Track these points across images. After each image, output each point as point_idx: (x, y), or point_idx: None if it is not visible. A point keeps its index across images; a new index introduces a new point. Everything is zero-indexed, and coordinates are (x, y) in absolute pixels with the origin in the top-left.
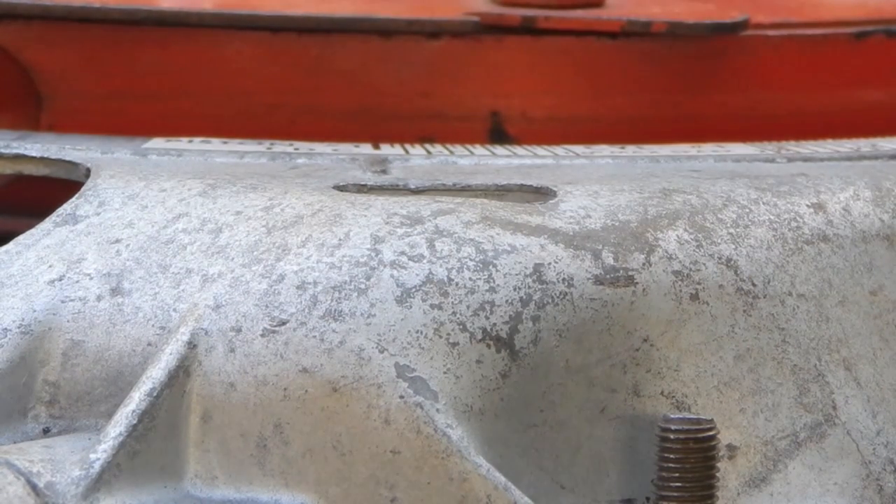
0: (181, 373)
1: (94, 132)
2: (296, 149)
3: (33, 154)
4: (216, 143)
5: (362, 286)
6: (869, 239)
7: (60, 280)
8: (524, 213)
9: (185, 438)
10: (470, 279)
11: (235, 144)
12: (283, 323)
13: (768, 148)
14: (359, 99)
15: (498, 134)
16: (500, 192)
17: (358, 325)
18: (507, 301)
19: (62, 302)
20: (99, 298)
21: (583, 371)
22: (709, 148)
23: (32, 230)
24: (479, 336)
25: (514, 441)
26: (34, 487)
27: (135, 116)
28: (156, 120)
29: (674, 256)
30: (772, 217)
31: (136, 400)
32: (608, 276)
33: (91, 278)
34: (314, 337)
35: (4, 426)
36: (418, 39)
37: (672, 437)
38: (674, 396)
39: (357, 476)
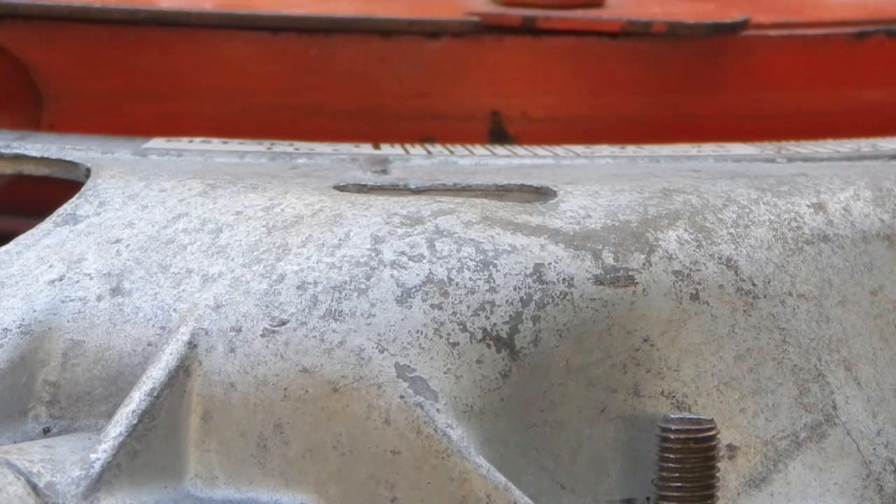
0: (181, 373)
1: (94, 132)
2: (296, 149)
3: (33, 154)
4: (216, 143)
5: (362, 286)
6: (869, 239)
7: (60, 280)
8: (524, 213)
9: (185, 438)
10: (470, 279)
11: (235, 144)
12: (284, 323)
13: (768, 148)
14: (359, 99)
15: (498, 134)
16: (501, 192)
17: (358, 325)
18: (507, 301)
19: (62, 302)
20: (99, 298)
21: (583, 371)
22: (709, 148)
23: (32, 230)
24: (480, 336)
25: (514, 441)
26: (34, 487)
27: (135, 116)
28: (156, 120)
29: (674, 256)
30: (772, 217)
31: (136, 400)
32: (608, 276)
33: (91, 278)
34: (314, 337)
35: (4, 426)
36: (418, 39)
37: (672, 437)
38: (674, 396)
39: (357, 476)
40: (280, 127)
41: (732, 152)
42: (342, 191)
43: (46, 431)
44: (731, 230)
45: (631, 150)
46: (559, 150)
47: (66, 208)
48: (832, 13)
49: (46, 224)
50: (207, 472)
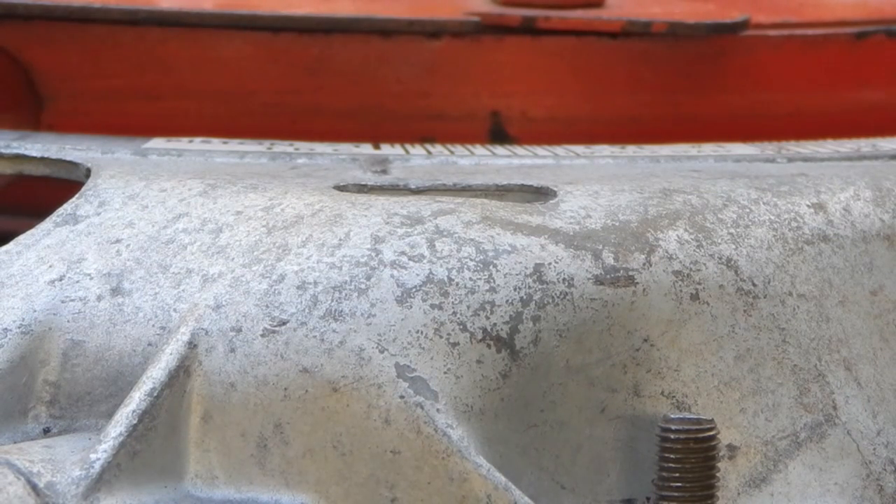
0: (181, 373)
1: (94, 132)
2: (296, 149)
3: (33, 154)
4: (216, 143)
5: (362, 286)
6: (869, 239)
7: (61, 280)
8: (524, 213)
9: (185, 438)
10: (470, 279)
11: (235, 144)
12: (284, 323)
13: (768, 148)
14: (359, 99)
15: (498, 134)
16: (501, 192)
17: (358, 325)
18: (507, 301)
19: (62, 302)
20: (99, 298)
21: (583, 371)
22: (709, 148)
23: (32, 230)
24: (480, 336)
25: (515, 441)
26: (34, 487)
27: (135, 116)
28: (156, 120)
29: (674, 256)
30: (772, 217)
31: (136, 400)
32: (608, 276)
33: (91, 278)
34: (314, 337)
35: (4, 426)
36: (418, 39)
37: (672, 437)
38: (674, 396)
39: (357, 476)
40: (280, 127)
41: (732, 152)
42: (342, 191)
43: (46, 431)
44: (732, 230)
45: (631, 150)
46: (559, 150)
47: (66, 208)
48: (832, 13)
49: (46, 224)
50: (207, 472)
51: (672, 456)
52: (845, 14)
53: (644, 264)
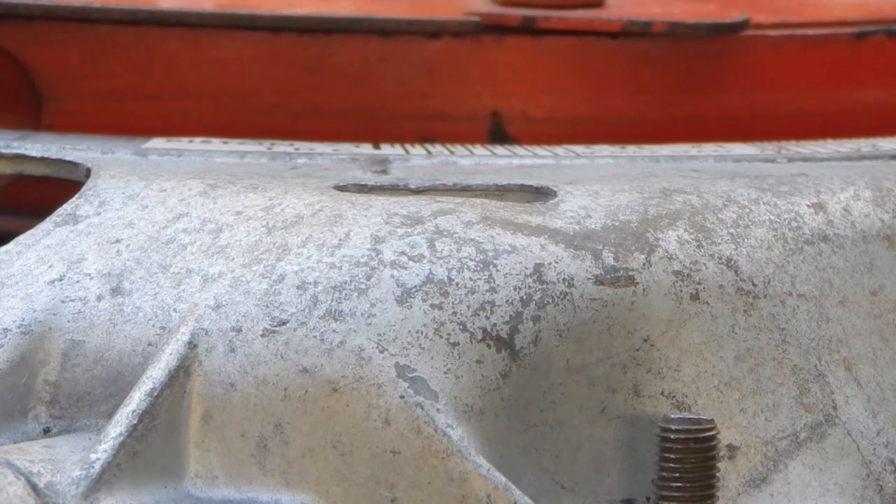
0: (181, 373)
1: (94, 132)
2: (296, 149)
3: (33, 154)
4: (216, 143)
5: (362, 286)
6: (869, 239)
7: (61, 280)
8: (524, 213)
9: (185, 438)
10: (470, 279)
11: (235, 144)
12: (284, 323)
13: (768, 148)
14: (359, 99)
15: (498, 134)
16: (501, 192)
17: (358, 325)
18: (507, 301)
19: (62, 302)
20: (99, 298)
21: (583, 371)
22: (709, 148)
23: (32, 230)
24: (480, 336)
25: (515, 441)
26: (34, 487)
27: (135, 116)
28: (156, 120)
29: (674, 256)
30: (772, 217)
31: (136, 400)
32: (608, 276)
33: (91, 278)
34: (314, 337)
35: (4, 426)
36: (418, 39)
37: (672, 437)
38: (674, 396)
39: (357, 476)
40: (280, 127)
41: (732, 152)
42: (342, 191)
43: (46, 431)
44: (732, 230)
45: (631, 150)
46: (559, 150)
47: (66, 208)
48: (832, 13)
49: (46, 224)
50: (207, 472)
51: (672, 456)
52: (845, 14)
53: (644, 264)
